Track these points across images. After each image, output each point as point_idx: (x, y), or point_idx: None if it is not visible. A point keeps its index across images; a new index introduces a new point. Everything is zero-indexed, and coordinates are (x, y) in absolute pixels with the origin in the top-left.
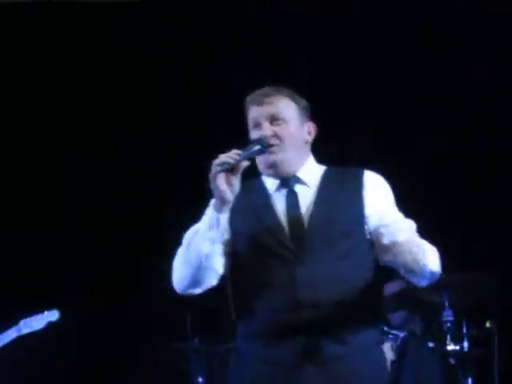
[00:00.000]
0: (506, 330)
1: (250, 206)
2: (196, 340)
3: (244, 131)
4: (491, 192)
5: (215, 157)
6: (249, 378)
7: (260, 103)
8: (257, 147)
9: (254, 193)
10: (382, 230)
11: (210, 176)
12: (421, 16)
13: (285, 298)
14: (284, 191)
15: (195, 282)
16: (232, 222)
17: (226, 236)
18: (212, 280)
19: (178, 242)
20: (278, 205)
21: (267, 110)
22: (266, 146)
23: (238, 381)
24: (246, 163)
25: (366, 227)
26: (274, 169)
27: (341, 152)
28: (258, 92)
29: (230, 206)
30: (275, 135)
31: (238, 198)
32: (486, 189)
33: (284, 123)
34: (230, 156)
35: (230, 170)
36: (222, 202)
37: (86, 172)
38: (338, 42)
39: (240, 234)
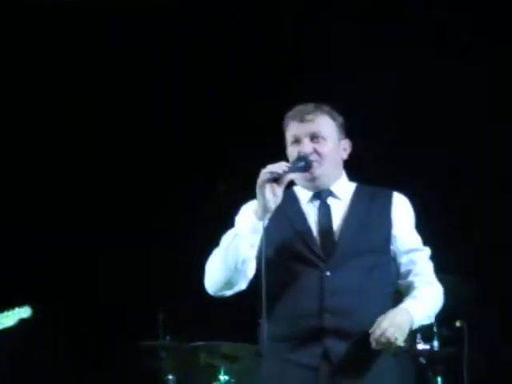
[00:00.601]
0: (476, 330)
1: (283, 215)
2: (168, 338)
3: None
4: (464, 194)
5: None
6: (271, 378)
7: (301, 120)
8: (302, 163)
9: (287, 202)
10: (403, 260)
11: (258, 183)
12: None
13: (310, 304)
14: (317, 203)
15: (229, 284)
16: (264, 228)
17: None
18: (243, 284)
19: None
20: (311, 215)
21: (308, 127)
22: (309, 164)
23: (262, 380)
24: (290, 176)
25: (391, 247)
26: (313, 183)
27: None
28: (299, 108)
29: (269, 214)
30: (315, 152)
31: None
32: (462, 190)
33: (323, 140)
34: (278, 167)
35: (276, 180)
36: (265, 209)
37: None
38: None
39: (271, 239)
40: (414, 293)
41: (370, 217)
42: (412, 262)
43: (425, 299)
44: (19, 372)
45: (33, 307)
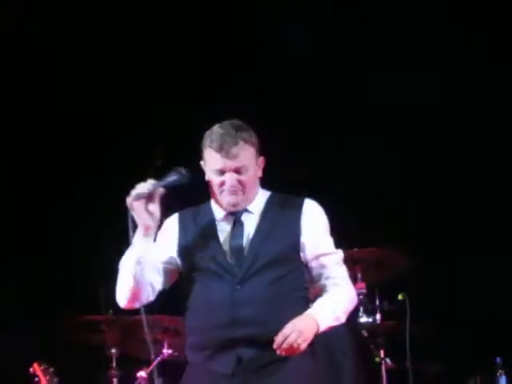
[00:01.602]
0: (417, 303)
1: (197, 232)
2: (110, 311)
3: None
4: (412, 168)
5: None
6: (194, 382)
7: (226, 155)
8: (174, 177)
9: (202, 218)
10: (313, 264)
11: (127, 205)
12: None
13: (222, 316)
14: (231, 219)
15: (133, 298)
16: (179, 244)
17: (171, 254)
18: (149, 296)
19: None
20: (224, 232)
21: (233, 163)
22: (183, 175)
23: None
24: (161, 191)
25: (301, 254)
26: (234, 207)
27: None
28: (221, 139)
29: (154, 230)
30: (239, 183)
31: (187, 222)
32: (409, 166)
33: (246, 171)
34: (145, 186)
35: (148, 198)
36: (145, 228)
37: None
38: None
39: (186, 255)
40: (323, 296)
41: (277, 227)
42: (322, 266)
43: (331, 302)
44: None
45: None
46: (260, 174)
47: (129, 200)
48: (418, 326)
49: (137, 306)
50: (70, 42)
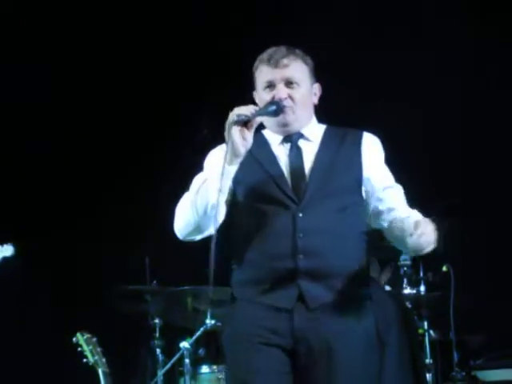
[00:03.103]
0: (462, 275)
1: (254, 158)
2: (154, 282)
3: None
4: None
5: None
6: (246, 322)
7: (276, 65)
8: (273, 107)
9: (257, 146)
10: (381, 196)
11: (226, 125)
12: None
13: (282, 245)
14: (287, 145)
15: (198, 228)
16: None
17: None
18: (212, 228)
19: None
20: (282, 157)
21: (283, 73)
22: (281, 108)
23: (235, 325)
24: (260, 120)
25: (363, 187)
26: (285, 128)
27: None
28: (272, 52)
29: (240, 159)
30: (290, 97)
31: None
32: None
33: (297, 86)
34: (247, 109)
35: (245, 123)
36: (235, 154)
37: None
38: None
39: (242, 183)
40: (408, 218)
41: (339, 158)
42: (389, 198)
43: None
44: (3, 310)
45: (16, 245)
46: (315, 100)
47: (230, 120)
48: (462, 297)
49: (198, 238)
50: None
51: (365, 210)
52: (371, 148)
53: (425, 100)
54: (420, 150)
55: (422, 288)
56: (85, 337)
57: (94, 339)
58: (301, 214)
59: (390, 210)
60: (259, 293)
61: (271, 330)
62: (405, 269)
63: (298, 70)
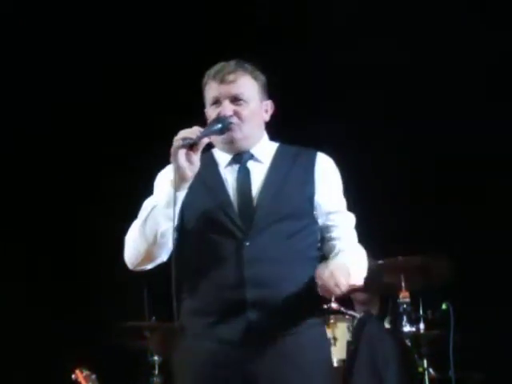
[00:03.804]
0: (462, 312)
1: (202, 180)
2: (153, 318)
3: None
4: (450, 176)
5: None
6: (193, 355)
7: (222, 81)
8: (218, 126)
9: (205, 167)
10: (325, 222)
11: (172, 151)
12: None
13: (229, 276)
14: (236, 166)
15: (149, 257)
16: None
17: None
18: (164, 256)
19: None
20: (229, 180)
21: (229, 89)
22: (227, 125)
23: (183, 357)
24: (206, 141)
25: (315, 212)
26: (232, 146)
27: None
28: (219, 67)
29: (189, 183)
30: (236, 114)
31: None
32: (446, 171)
33: (245, 103)
34: (192, 132)
35: (191, 146)
36: (182, 179)
37: None
38: None
39: (189, 208)
40: (341, 254)
41: (291, 180)
42: (334, 225)
43: (351, 260)
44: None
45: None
46: (266, 117)
47: (176, 145)
48: (462, 335)
49: (149, 267)
50: None
51: (317, 233)
52: (324, 169)
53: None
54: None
55: (422, 326)
56: (84, 374)
57: (93, 376)
58: (248, 243)
59: (331, 239)
60: (207, 324)
61: (219, 364)
62: (404, 306)
63: (245, 85)
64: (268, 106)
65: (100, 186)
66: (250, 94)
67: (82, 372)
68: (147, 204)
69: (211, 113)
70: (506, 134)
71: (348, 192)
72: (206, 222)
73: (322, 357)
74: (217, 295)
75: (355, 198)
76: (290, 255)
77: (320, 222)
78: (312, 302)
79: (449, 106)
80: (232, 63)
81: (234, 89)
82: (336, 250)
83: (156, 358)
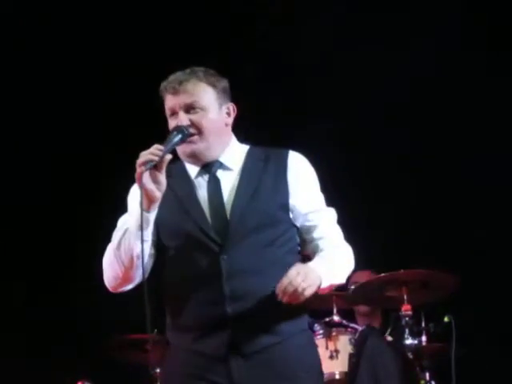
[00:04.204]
0: (464, 325)
1: (173, 193)
2: (155, 331)
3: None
4: (454, 191)
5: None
6: (179, 369)
7: (175, 92)
8: (177, 137)
9: (175, 179)
10: (305, 223)
11: (136, 176)
12: None
13: (209, 291)
14: (206, 177)
15: (127, 279)
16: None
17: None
18: (144, 274)
19: None
20: (201, 192)
21: (182, 99)
22: (186, 134)
23: (169, 371)
24: (169, 157)
25: (291, 215)
26: (195, 158)
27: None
28: (171, 78)
29: (158, 203)
30: (193, 124)
31: None
32: (450, 188)
33: (201, 111)
34: (153, 153)
35: (155, 166)
36: (151, 201)
37: None
38: None
39: (164, 224)
40: (321, 254)
41: (263, 185)
42: (314, 225)
43: (331, 259)
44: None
45: None
46: (229, 121)
47: (139, 171)
48: (464, 348)
49: (129, 287)
50: None
51: (295, 237)
52: (297, 168)
53: None
54: None
55: (424, 338)
56: None
57: None
58: (225, 257)
59: (313, 239)
60: (191, 339)
61: (206, 378)
62: (406, 319)
63: (199, 93)
64: (230, 109)
65: (100, 186)
66: (206, 101)
67: None
68: (120, 225)
69: (170, 124)
70: None
71: (351, 203)
72: (181, 237)
73: (309, 363)
74: (198, 311)
75: (358, 210)
76: (268, 264)
77: (298, 224)
78: (295, 309)
79: (450, 107)
80: (186, 71)
81: (188, 98)
82: (319, 252)
83: (158, 370)
